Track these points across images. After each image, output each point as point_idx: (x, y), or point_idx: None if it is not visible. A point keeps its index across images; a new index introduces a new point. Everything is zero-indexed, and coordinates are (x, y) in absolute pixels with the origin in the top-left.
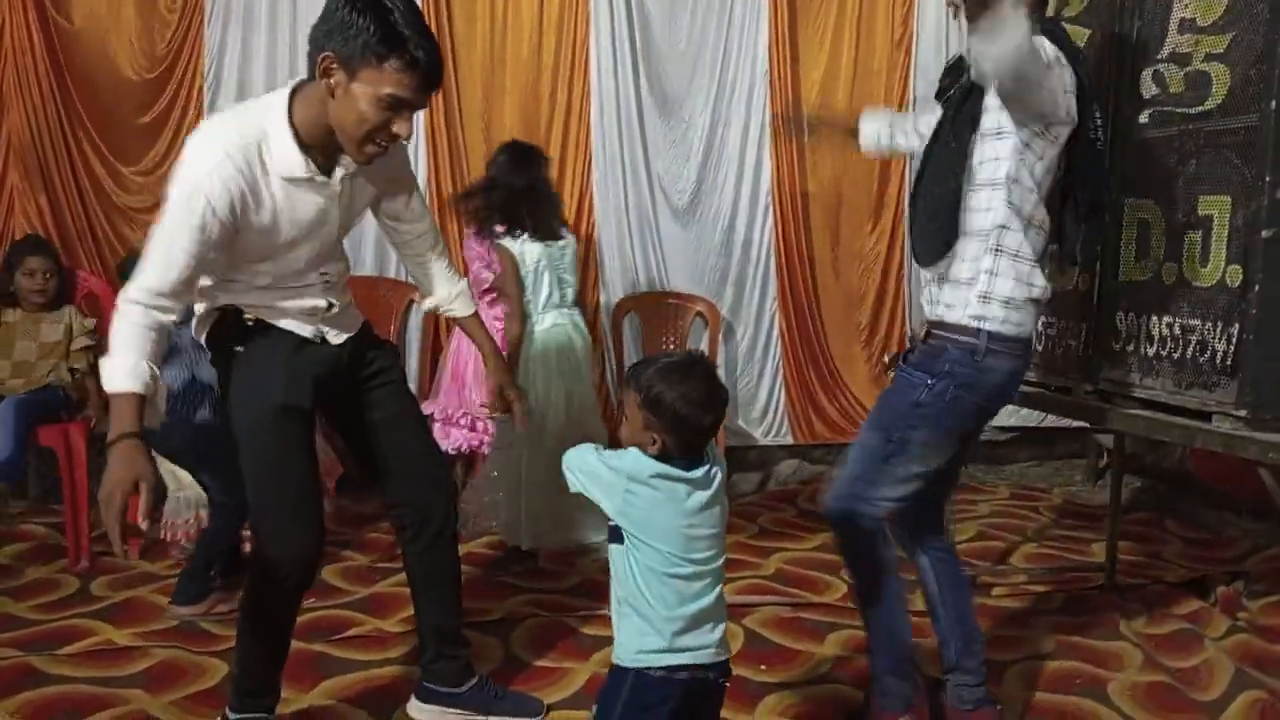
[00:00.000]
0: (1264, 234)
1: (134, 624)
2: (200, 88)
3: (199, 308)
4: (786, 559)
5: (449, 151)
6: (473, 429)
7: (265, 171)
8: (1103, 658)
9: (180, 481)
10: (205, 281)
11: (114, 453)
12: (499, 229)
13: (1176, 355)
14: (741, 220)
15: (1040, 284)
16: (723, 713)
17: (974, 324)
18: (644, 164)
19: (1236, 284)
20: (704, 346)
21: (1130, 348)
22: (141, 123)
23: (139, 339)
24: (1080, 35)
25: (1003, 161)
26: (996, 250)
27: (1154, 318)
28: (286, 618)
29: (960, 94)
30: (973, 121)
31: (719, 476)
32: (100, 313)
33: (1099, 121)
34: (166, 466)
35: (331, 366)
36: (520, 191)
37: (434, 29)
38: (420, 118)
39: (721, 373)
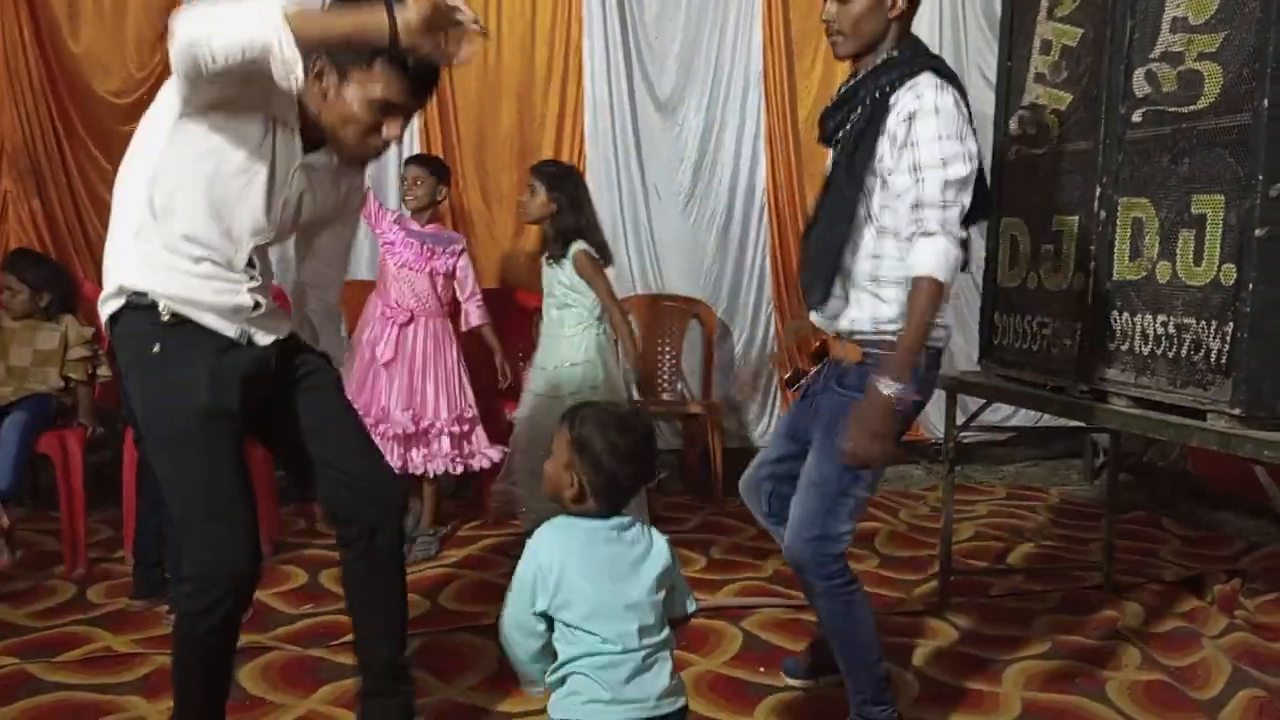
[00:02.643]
0: (1258, 232)
1: (132, 630)
2: None
3: (108, 282)
4: (784, 561)
5: (444, 155)
6: (456, 446)
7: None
8: (1101, 656)
9: None
10: (150, 197)
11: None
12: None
13: (1171, 354)
14: (737, 222)
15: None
16: (722, 714)
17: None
18: (638, 166)
19: (1230, 282)
20: (699, 348)
21: (1125, 346)
22: (135, 128)
23: None
24: (1073, 34)
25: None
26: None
27: (1148, 316)
28: (224, 649)
29: (854, 138)
30: (869, 167)
31: (657, 547)
32: (95, 319)
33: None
34: None
35: (258, 369)
36: (585, 204)
37: None
38: (414, 120)
39: (718, 374)
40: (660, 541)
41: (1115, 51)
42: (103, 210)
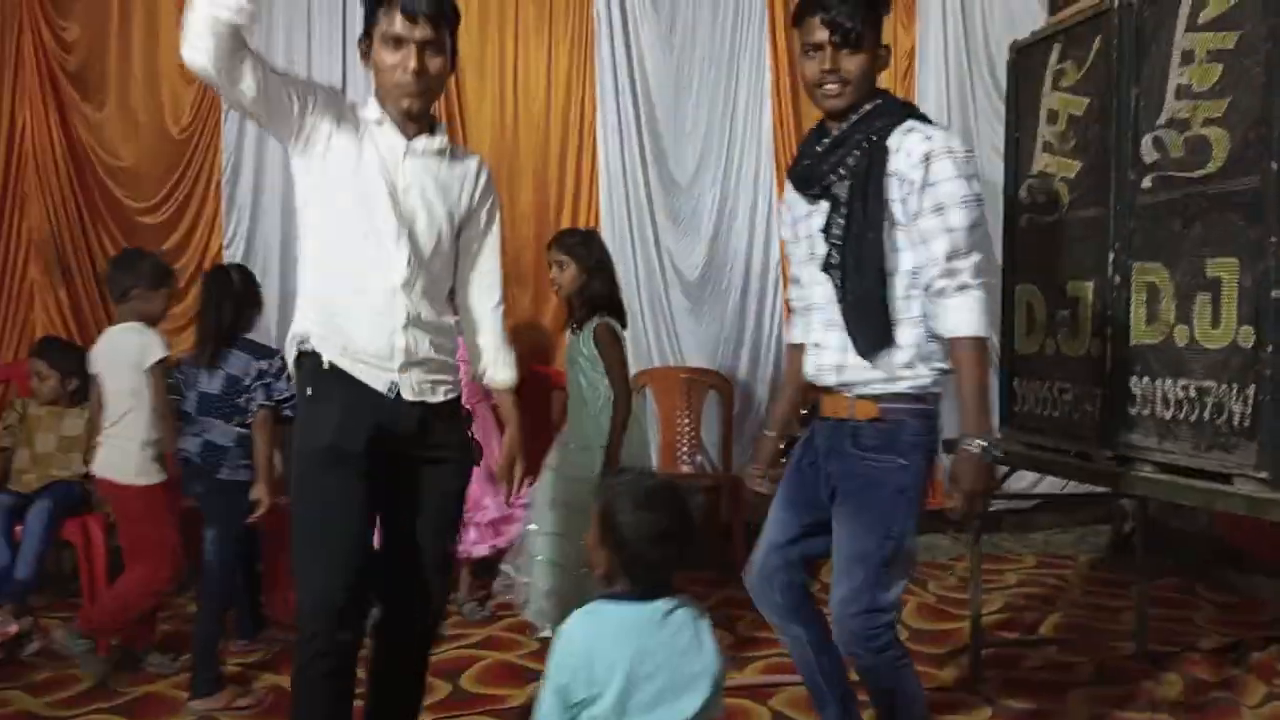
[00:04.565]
0: (1274, 294)
1: (153, 718)
2: (218, 182)
3: (292, 331)
4: None
5: None
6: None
7: (357, 116)
8: None
9: None
10: (306, 212)
11: None
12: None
13: (1193, 418)
14: (753, 294)
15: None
16: None
17: (922, 390)
18: (654, 241)
19: (1249, 345)
20: (718, 420)
21: (1146, 411)
22: (160, 219)
23: None
24: (1079, 104)
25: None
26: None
27: (1168, 380)
28: (331, 689)
29: (860, 183)
30: (882, 209)
31: (706, 653)
32: None
33: None
34: None
35: (395, 421)
36: (610, 267)
37: (444, 118)
38: None
39: (736, 446)
40: (709, 647)
41: (1122, 119)
42: None
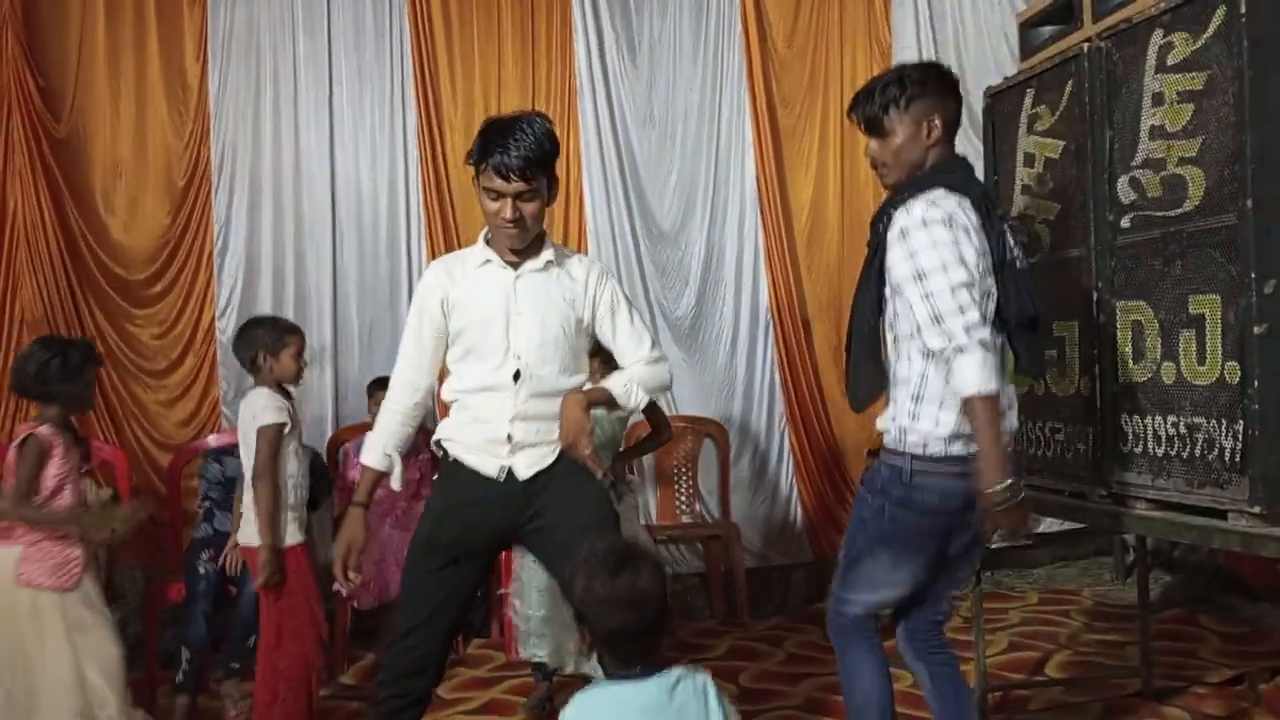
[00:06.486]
0: (1256, 330)
1: None
2: (210, 253)
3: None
4: (816, 685)
5: None
6: None
7: (464, 267)
8: None
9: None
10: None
11: (347, 515)
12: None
13: (1185, 454)
14: (743, 340)
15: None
16: None
17: (900, 446)
18: (643, 292)
19: (1235, 381)
20: (715, 468)
21: (1139, 449)
22: (153, 292)
23: (387, 424)
24: (1054, 147)
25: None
26: (923, 377)
27: (1158, 418)
28: None
29: (871, 251)
30: (883, 278)
31: (710, 702)
32: (114, 481)
33: (1012, 242)
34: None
35: (498, 508)
36: None
37: (434, 180)
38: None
39: (735, 494)
40: (718, 714)
41: (1097, 161)
42: (123, 375)
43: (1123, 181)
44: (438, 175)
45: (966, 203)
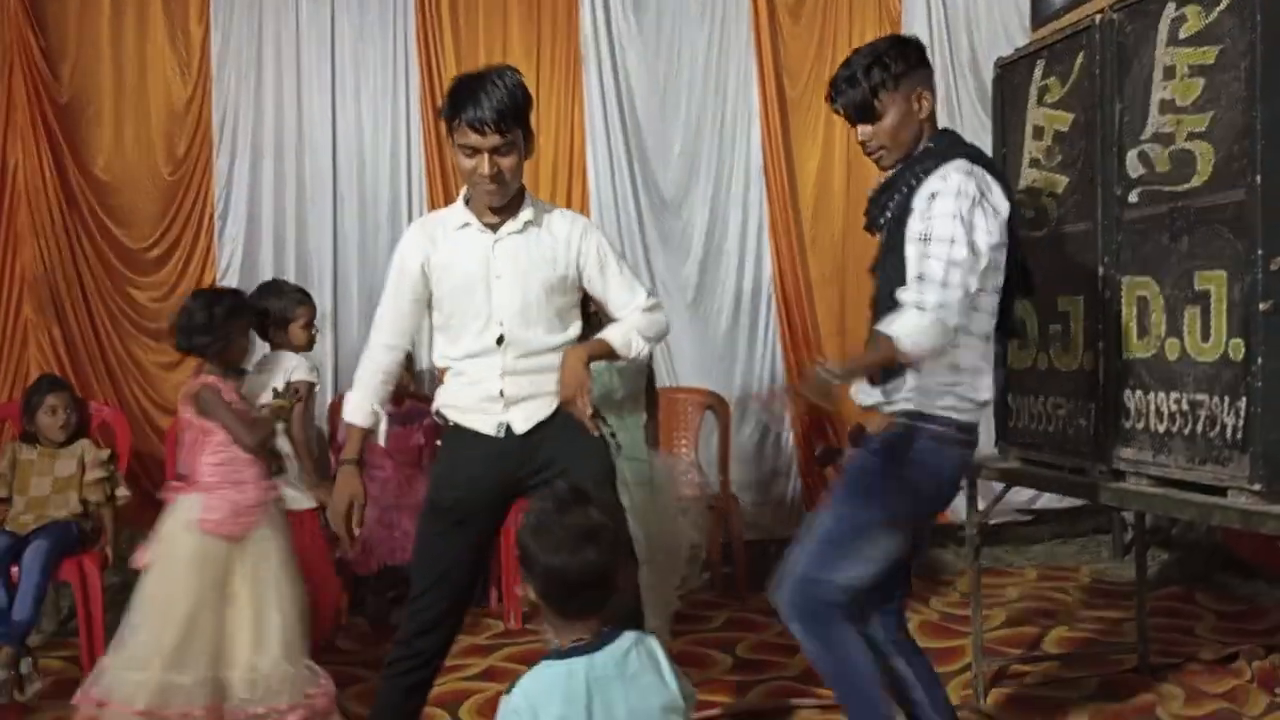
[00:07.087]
0: (1262, 306)
1: None
2: (211, 216)
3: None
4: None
5: None
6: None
7: (444, 229)
8: None
9: None
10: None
11: (339, 473)
12: None
13: (1187, 431)
14: (745, 312)
15: (987, 383)
16: None
17: (942, 412)
18: (645, 262)
19: (1239, 358)
20: (716, 439)
21: (1140, 425)
22: (154, 254)
23: (369, 382)
24: (1064, 119)
25: None
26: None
27: (1161, 394)
28: (404, 701)
29: (894, 221)
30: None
31: (662, 667)
32: (114, 443)
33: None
34: None
35: (498, 464)
36: None
37: (436, 148)
38: None
39: (734, 464)
40: (671, 679)
41: (1106, 135)
42: (124, 337)
43: (1131, 155)
44: (440, 139)
45: (990, 176)
